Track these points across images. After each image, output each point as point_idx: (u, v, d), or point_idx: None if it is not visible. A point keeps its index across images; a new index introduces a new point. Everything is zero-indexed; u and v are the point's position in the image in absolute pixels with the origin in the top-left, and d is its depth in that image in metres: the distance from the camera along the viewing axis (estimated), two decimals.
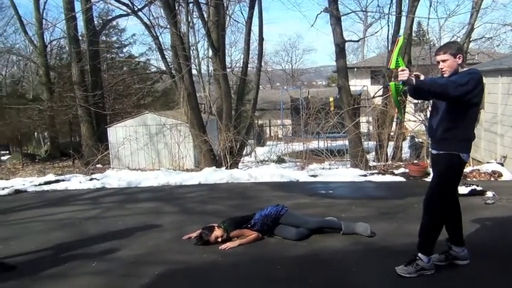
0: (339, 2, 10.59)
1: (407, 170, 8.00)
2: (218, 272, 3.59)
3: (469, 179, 7.04)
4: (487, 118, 8.26)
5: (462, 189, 5.77)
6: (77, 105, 15.61)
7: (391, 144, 10.60)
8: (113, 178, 8.16)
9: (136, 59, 23.73)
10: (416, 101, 11.98)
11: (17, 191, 7.47)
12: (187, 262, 3.80)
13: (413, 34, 18.12)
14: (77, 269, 3.76)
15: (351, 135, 10.31)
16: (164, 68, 13.07)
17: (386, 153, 10.18)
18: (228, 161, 9.79)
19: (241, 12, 24.06)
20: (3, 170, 13.94)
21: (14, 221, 5.54)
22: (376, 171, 8.54)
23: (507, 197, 5.65)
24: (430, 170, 7.72)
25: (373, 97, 13.24)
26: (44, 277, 3.63)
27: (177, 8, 11.79)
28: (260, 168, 8.96)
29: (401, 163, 9.37)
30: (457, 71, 3.20)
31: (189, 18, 13.07)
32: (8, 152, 20.46)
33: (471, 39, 13.83)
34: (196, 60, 13.81)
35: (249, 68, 13.86)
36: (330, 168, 9.34)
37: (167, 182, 7.71)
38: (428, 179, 7.34)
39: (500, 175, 7.15)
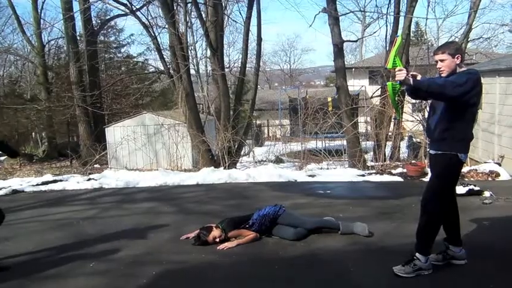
0: (337, 2, 10.60)
1: (405, 170, 8.01)
2: (216, 272, 3.59)
3: (466, 179, 7.05)
4: (485, 118, 8.28)
5: (460, 189, 5.78)
6: (75, 105, 15.60)
7: (389, 144, 10.61)
8: (111, 178, 8.15)
9: (135, 59, 23.72)
10: (414, 100, 12.00)
11: (15, 191, 7.45)
12: (185, 262, 3.80)
13: (412, 34, 18.12)
14: (75, 269, 3.75)
15: (349, 135, 10.32)
16: (162, 68, 13.05)
17: (384, 153, 10.20)
18: (226, 161, 9.79)
19: (240, 12, 24.02)
20: (0, 170, 13.92)
21: (12, 221, 5.51)
22: (374, 171, 8.55)
23: (505, 196, 5.66)
24: (428, 170, 7.76)
25: (371, 97, 13.25)
26: (42, 278, 3.62)
27: (175, 7, 11.78)
28: (258, 168, 8.96)
29: (399, 163, 9.38)
30: (455, 71, 3.20)
31: (188, 18, 13.04)
32: None
33: (469, 40, 13.87)
34: (194, 60, 13.80)
35: (247, 68, 13.87)
36: (328, 168, 9.34)
37: (165, 182, 7.70)
38: (426, 179, 7.35)
39: (498, 175, 7.16)
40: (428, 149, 3.46)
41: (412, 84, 3.05)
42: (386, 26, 12.52)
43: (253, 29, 12.18)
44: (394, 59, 3.10)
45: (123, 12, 14.72)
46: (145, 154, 12.56)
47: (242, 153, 12.30)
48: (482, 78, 9.03)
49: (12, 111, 18.03)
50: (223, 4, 12.91)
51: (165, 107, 20.73)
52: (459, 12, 31.56)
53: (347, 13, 15.53)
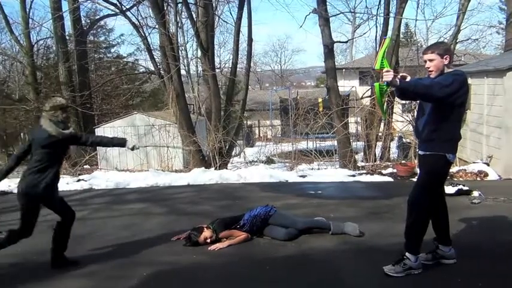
0: (327, 3, 10.65)
1: (395, 170, 8.07)
2: (207, 273, 3.58)
3: (455, 179, 7.12)
4: (473, 119, 8.37)
5: (449, 189, 5.84)
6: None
7: (379, 144, 10.69)
8: (101, 179, 8.09)
9: (125, 59, 23.57)
10: (404, 101, 12.11)
11: (3, 193, 7.37)
12: (176, 263, 3.78)
13: (401, 35, 18.29)
14: (64, 271, 3.72)
15: (340, 136, 10.36)
16: (153, 69, 13.00)
17: (375, 153, 10.26)
18: (217, 161, 9.78)
19: (231, 13, 24.06)
20: None
21: (0, 222, 5.46)
22: (364, 171, 8.60)
23: (493, 196, 5.73)
24: (418, 170, 7.83)
25: (362, 98, 13.33)
26: (31, 280, 3.59)
27: (165, 8, 11.75)
28: (249, 169, 8.96)
29: (389, 163, 9.45)
30: (443, 71, 3.23)
31: (178, 19, 13.00)
32: None
33: (458, 41, 14.02)
34: (185, 61, 13.72)
35: (238, 69, 13.87)
36: (318, 169, 9.38)
37: (156, 183, 7.67)
38: (416, 178, 7.42)
39: (486, 175, 7.25)
40: (417, 150, 3.48)
41: (399, 86, 3.07)
42: (376, 27, 12.65)
43: (244, 29, 12.16)
44: (382, 60, 3.13)
45: (113, 12, 14.66)
46: (136, 155, 12.46)
47: (233, 153, 12.29)
48: (470, 79, 9.12)
49: (0, 112, 17.80)
50: (213, 4, 12.89)
51: (156, 108, 20.64)
52: (448, 14, 32.00)
53: (337, 14, 15.53)
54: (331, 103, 10.65)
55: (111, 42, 24.67)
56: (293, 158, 10.85)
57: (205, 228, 4.20)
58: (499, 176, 7.22)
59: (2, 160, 16.03)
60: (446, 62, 3.22)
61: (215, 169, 9.19)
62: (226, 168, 9.77)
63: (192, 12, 12.00)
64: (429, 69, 3.26)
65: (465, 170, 7.53)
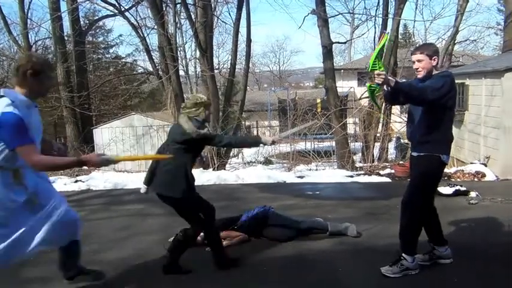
0: (326, 4, 10.66)
1: (393, 171, 8.08)
2: (205, 273, 3.58)
3: (453, 180, 7.13)
4: (471, 119, 8.38)
5: (446, 190, 5.86)
6: (62, 106, 15.44)
7: (377, 145, 10.70)
8: (99, 180, 8.07)
9: (123, 60, 23.58)
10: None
11: None
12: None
13: (400, 36, 18.31)
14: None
15: (338, 137, 10.37)
16: (151, 69, 13.01)
17: (373, 154, 10.28)
18: (215, 162, 9.78)
19: (229, 14, 24.11)
20: None
21: None
22: (362, 172, 8.60)
23: (490, 197, 5.74)
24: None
25: (360, 98, 13.34)
26: (28, 281, 3.58)
27: (164, 8, 11.75)
28: (247, 170, 8.96)
29: (387, 164, 9.46)
30: (431, 73, 3.25)
31: (177, 19, 13.00)
32: None
33: (456, 42, 14.05)
34: (183, 61, 13.74)
35: (236, 69, 13.87)
36: (316, 169, 9.38)
37: None
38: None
39: (484, 175, 7.26)
40: (410, 152, 3.50)
41: (393, 86, 3.07)
42: (375, 28, 12.68)
43: (243, 30, 12.15)
44: (374, 61, 3.15)
45: (111, 13, 14.67)
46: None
47: (231, 154, 12.29)
48: (468, 79, 9.15)
49: None
50: (212, 5, 12.90)
51: (154, 108, 20.61)
52: (446, 15, 31.97)
53: (336, 15, 15.56)
54: (330, 104, 10.67)
55: (109, 42, 24.69)
56: (291, 158, 10.86)
57: None
58: (496, 176, 7.23)
59: None
60: (434, 63, 3.24)
61: (213, 170, 9.19)
62: (224, 169, 9.76)
63: (191, 13, 12.00)
64: (417, 70, 3.29)
65: (463, 170, 7.54)
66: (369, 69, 3.16)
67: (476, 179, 7.18)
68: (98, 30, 23.52)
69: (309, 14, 10.85)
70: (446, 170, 7.84)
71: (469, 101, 8.58)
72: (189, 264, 3.71)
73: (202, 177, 7.91)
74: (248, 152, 13.89)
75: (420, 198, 3.29)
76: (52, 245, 3.12)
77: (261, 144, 3.67)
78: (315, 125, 11.05)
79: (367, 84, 3.29)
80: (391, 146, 11.96)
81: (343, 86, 20.15)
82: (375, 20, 12.67)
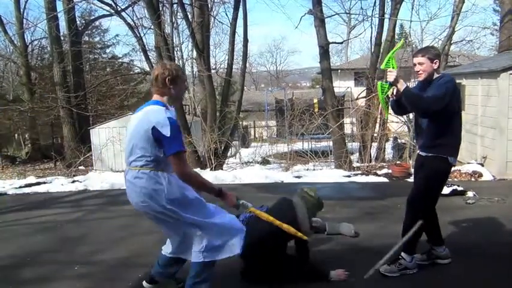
0: (322, 4, 10.65)
1: (390, 171, 8.09)
2: None
3: (450, 179, 7.15)
4: (468, 119, 8.41)
5: (444, 190, 5.86)
6: (59, 106, 15.38)
7: (375, 145, 10.72)
8: (96, 180, 8.05)
9: (120, 60, 23.50)
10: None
11: None
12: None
13: (396, 36, 18.34)
14: (59, 272, 3.70)
15: (335, 136, 10.38)
16: (148, 69, 12.97)
17: (370, 154, 10.29)
18: (213, 162, 9.77)
19: (226, 14, 24.06)
20: None
21: None
22: (359, 172, 8.62)
23: (487, 196, 5.76)
24: (412, 170, 7.86)
25: (357, 98, 13.37)
26: (25, 281, 3.56)
27: (161, 8, 11.72)
28: (245, 170, 8.95)
29: (384, 164, 9.48)
30: (432, 76, 3.27)
31: (173, 19, 13.01)
32: None
33: (452, 42, 14.12)
34: (180, 61, 13.70)
35: (233, 69, 13.84)
36: (314, 169, 9.39)
37: None
38: (411, 179, 7.44)
39: (481, 175, 7.29)
40: (418, 151, 3.50)
41: (403, 91, 3.12)
42: (371, 28, 12.70)
43: (240, 30, 12.21)
44: (389, 60, 3.22)
45: (108, 13, 14.60)
46: None
47: (228, 154, 12.28)
48: (465, 80, 9.17)
49: None
50: (209, 5, 12.89)
51: None
52: (442, 15, 32.04)
53: (333, 15, 15.56)
54: (327, 104, 10.67)
55: (106, 42, 24.60)
56: (288, 158, 10.86)
57: None
58: (493, 176, 7.26)
59: None
60: (435, 66, 3.25)
61: (210, 170, 9.18)
62: (222, 169, 9.76)
63: (188, 13, 11.98)
64: (418, 73, 3.30)
65: (460, 170, 7.57)
66: (383, 67, 3.23)
67: (473, 179, 7.21)
68: (94, 30, 23.45)
69: (305, 14, 10.86)
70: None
71: (465, 101, 8.61)
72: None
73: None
74: (245, 152, 13.90)
75: (425, 199, 3.30)
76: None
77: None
78: (312, 124, 11.07)
79: (379, 82, 3.31)
80: (388, 146, 11.97)
81: (340, 86, 20.19)
82: (372, 20, 12.70)
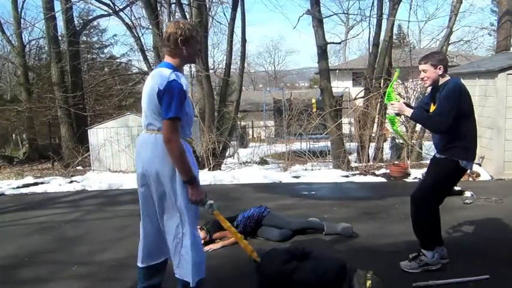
0: (321, 5, 10.67)
1: (388, 171, 8.10)
2: None
3: None
4: None
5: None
6: (57, 106, 15.35)
7: (373, 145, 10.73)
8: (94, 180, 8.05)
9: (118, 60, 23.48)
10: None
11: None
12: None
13: (394, 37, 18.37)
14: (57, 273, 3.70)
15: (333, 137, 10.39)
16: (146, 69, 12.95)
17: (368, 154, 10.30)
18: (211, 162, 9.76)
19: (224, 14, 24.11)
20: None
21: None
22: (357, 172, 8.62)
23: (485, 196, 5.77)
24: (410, 170, 7.88)
25: (355, 98, 13.38)
26: (23, 282, 3.56)
27: (159, 8, 11.72)
28: (243, 170, 8.95)
29: (382, 164, 9.49)
30: (437, 82, 3.30)
31: (171, 19, 12.98)
32: None
33: (450, 42, 14.14)
34: None
35: (231, 70, 13.86)
36: (312, 170, 9.40)
37: None
38: (409, 179, 7.47)
39: (478, 175, 7.30)
40: (434, 154, 3.51)
41: (411, 117, 3.34)
42: (369, 28, 12.72)
43: (238, 30, 12.17)
44: (389, 94, 3.42)
45: (106, 13, 14.58)
46: (129, 156, 12.43)
47: (227, 154, 12.28)
48: (462, 80, 9.16)
49: None
50: (207, 5, 12.88)
51: None
52: (440, 16, 32.17)
53: (331, 15, 15.62)
54: (325, 104, 10.68)
55: (104, 42, 24.60)
56: (287, 158, 10.86)
57: (198, 229, 4.18)
58: (490, 176, 7.28)
59: None
60: (440, 72, 3.27)
61: (209, 170, 9.18)
62: (220, 169, 9.75)
63: (186, 13, 11.99)
64: (423, 79, 3.34)
65: None
66: (386, 101, 3.43)
67: (470, 179, 7.22)
68: (92, 30, 23.43)
69: (303, 14, 10.85)
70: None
71: None
72: None
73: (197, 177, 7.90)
74: (244, 152, 13.90)
75: (430, 199, 3.33)
76: None
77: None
78: (310, 125, 11.08)
79: (387, 116, 3.50)
80: (386, 146, 11.99)
81: (338, 86, 20.19)
82: (370, 20, 12.72)
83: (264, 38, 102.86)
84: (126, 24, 11.85)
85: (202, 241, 4.09)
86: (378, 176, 7.94)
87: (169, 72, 2.53)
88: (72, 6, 15.18)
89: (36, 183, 8.05)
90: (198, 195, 2.59)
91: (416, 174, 7.61)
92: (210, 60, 19.97)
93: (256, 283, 3.21)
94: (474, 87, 8.15)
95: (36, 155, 17.90)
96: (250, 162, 11.66)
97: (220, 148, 10.70)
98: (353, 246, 4.06)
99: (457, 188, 5.93)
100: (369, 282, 2.94)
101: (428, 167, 3.59)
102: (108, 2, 11.87)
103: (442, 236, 3.59)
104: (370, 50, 12.40)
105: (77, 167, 12.13)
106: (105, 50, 25.12)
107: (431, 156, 3.62)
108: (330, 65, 12.49)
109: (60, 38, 16.59)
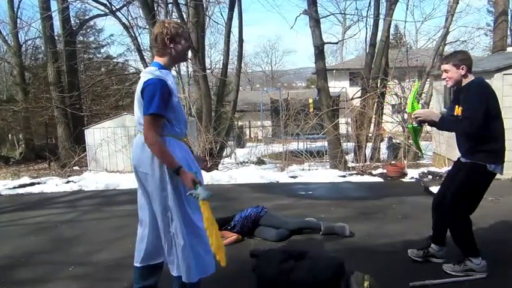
0: (318, 5, 10.68)
1: (385, 171, 8.12)
2: None
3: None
4: None
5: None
6: (53, 106, 15.30)
7: (369, 145, 10.75)
8: (90, 180, 8.03)
9: (115, 60, 23.43)
10: (394, 102, 12.21)
11: None
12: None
13: (391, 37, 18.41)
14: (54, 273, 3.69)
15: (330, 136, 10.40)
16: (143, 69, 12.93)
17: (365, 154, 10.32)
18: (208, 162, 9.75)
19: (221, 14, 24.02)
20: None
21: None
22: (354, 172, 8.64)
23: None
24: (407, 170, 7.89)
25: (352, 98, 13.42)
26: (19, 282, 3.54)
27: (156, 8, 11.71)
28: (240, 170, 8.95)
29: (379, 164, 9.51)
30: (460, 82, 3.21)
31: (168, 19, 12.96)
32: None
33: (446, 42, 14.16)
34: None
35: (228, 70, 13.85)
36: (309, 169, 9.41)
37: None
38: (406, 179, 7.49)
39: None
40: (458, 157, 3.44)
41: (438, 125, 3.21)
42: (366, 28, 12.77)
43: (235, 30, 12.17)
44: (412, 103, 3.32)
45: (102, 12, 14.54)
46: (126, 156, 12.39)
47: (224, 154, 12.28)
48: None
49: None
50: (204, 5, 12.88)
51: None
52: (437, 16, 32.28)
53: (328, 15, 15.67)
54: (322, 104, 10.69)
55: (100, 42, 24.54)
56: (284, 158, 10.86)
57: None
58: None
59: None
60: (463, 72, 3.17)
61: (206, 170, 9.16)
62: (217, 169, 9.75)
63: (183, 13, 11.97)
64: (446, 80, 3.26)
65: None
66: (410, 111, 3.34)
67: None
68: (88, 30, 23.37)
69: (300, 14, 10.87)
70: (437, 170, 7.91)
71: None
72: None
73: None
74: (241, 152, 13.89)
75: (459, 204, 3.22)
76: None
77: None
78: (307, 124, 11.09)
79: (409, 126, 3.37)
80: (383, 146, 12.01)
81: (335, 86, 20.23)
82: (366, 20, 12.76)
83: (261, 38, 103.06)
84: (123, 24, 11.83)
85: None
86: (374, 176, 7.96)
87: (153, 69, 2.55)
88: (68, 6, 15.15)
89: (32, 184, 8.03)
90: (188, 183, 2.55)
91: (413, 174, 7.64)
92: (207, 60, 19.94)
93: (253, 283, 3.21)
94: None
95: (33, 155, 17.84)
96: (247, 162, 11.65)
97: (218, 148, 10.70)
98: (350, 246, 4.06)
99: None
100: (366, 283, 2.94)
101: (451, 172, 3.48)
102: (105, 2, 11.87)
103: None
104: (367, 50, 12.43)
105: (74, 167, 12.10)
106: (102, 50, 25.09)
107: (456, 159, 3.47)
108: (327, 65, 12.51)
109: (56, 37, 16.54)
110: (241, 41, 12.04)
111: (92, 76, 21.50)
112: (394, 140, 11.69)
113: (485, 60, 10.59)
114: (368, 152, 10.70)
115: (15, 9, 18.12)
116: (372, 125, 10.83)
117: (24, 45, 20.39)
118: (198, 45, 11.33)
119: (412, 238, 4.16)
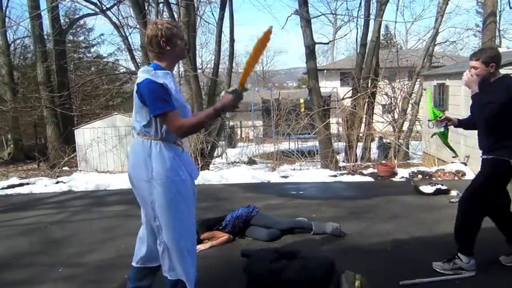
0: (309, 5, 10.72)
1: (375, 170, 8.17)
2: None
3: (434, 179, 7.25)
4: None
5: (427, 189, 5.96)
6: (43, 106, 15.16)
7: (360, 145, 10.81)
8: (80, 181, 7.96)
9: (105, 59, 23.29)
10: (384, 101, 12.29)
11: None
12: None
13: (381, 37, 18.55)
14: (43, 275, 3.65)
15: (321, 136, 10.44)
16: (133, 69, 12.87)
17: (356, 153, 10.38)
18: (199, 162, 9.74)
19: (212, 13, 24.06)
20: None
21: None
22: (345, 171, 8.67)
23: None
24: (397, 169, 7.95)
25: (343, 98, 13.48)
26: (8, 284, 3.50)
27: (146, 7, 11.65)
28: (231, 170, 8.94)
29: (370, 163, 9.57)
30: (488, 80, 3.16)
31: (160, 19, 12.91)
32: None
33: (436, 43, 14.32)
34: None
35: (220, 69, 13.84)
36: (300, 169, 9.42)
37: None
38: (396, 178, 7.54)
39: (464, 174, 7.40)
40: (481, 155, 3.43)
41: (464, 122, 3.50)
42: (357, 28, 12.86)
43: (226, 30, 12.20)
44: (432, 110, 3.50)
45: (92, 12, 14.46)
46: (117, 156, 12.33)
47: (215, 154, 12.26)
48: (448, 80, 9.21)
49: None
50: (195, 5, 12.85)
51: None
52: (426, 16, 32.50)
53: (319, 16, 15.72)
54: (313, 104, 10.73)
55: (90, 41, 24.37)
56: (275, 158, 10.88)
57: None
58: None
59: None
60: (492, 70, 3.12)
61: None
62: (208, 169, 9.73)
63: (174, 12, 11.94)
64: (472, 76, 3.21)
65: (443, 169, 7.67)
66: (432, 118, 3.49)
67: (456, 178, 7.31)
68: (78, 29, 23.19)
69: (292, 14, 10.90)
70: (427, 169, 7.98)
71: (449, 101, 8.73)
72: None
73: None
74: (232, 152, 13.89)
75: (479, 200, 3.21)
76: None
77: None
78: (299, 124, 11.13)
79: (437, 132, 3.55)
80: (374, 146, 12.10)
81: (326, 86, 20.28)
82: (357, 21, 12.85)
83: (253, 38, 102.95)
84: (114, 23, 11.76)
85: None
86: (365, 175, 8.00)
87: (148, 70, 2.49)
88: (58, 4, 15.02)
89: (21, 184, 7.93)
90: (229, 102, 2.59)
91: (403, 173, 7.69)
92: (198, 60, 19.94)
93: (244, 283, 3.21)
94: (460, 88, 8.26)
95: (22, 156, 17.66)
96: (238, 162, 11.66)
97: (209, 148, 10.69)
98: (341, 246, 4.08)
99: (443, 187, 6.01)
100: (357, 282, 2.95)
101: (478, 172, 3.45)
102: (95, 1, 11.79)
103: (428, 235, 3.62)
104: (358, 50, 12.51)
105: (64, 168, 12.00)
106: (92, 49, 24.90)
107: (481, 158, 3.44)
108: (318, 65, 12.54)
109: (46, 37, 16.38)
110: (232, 40, 12.04)
111: (82, 76, 21.32)
112: (384, 140, 11.77)
113: None
114: (359, 151, 10.77)
115: (4, 8, 17.93)
116: (363, 125, 10.90)
117: (12, 45, 20.18)
118: (189, 45, 11.29)
119: (402, 237, 4.19)
